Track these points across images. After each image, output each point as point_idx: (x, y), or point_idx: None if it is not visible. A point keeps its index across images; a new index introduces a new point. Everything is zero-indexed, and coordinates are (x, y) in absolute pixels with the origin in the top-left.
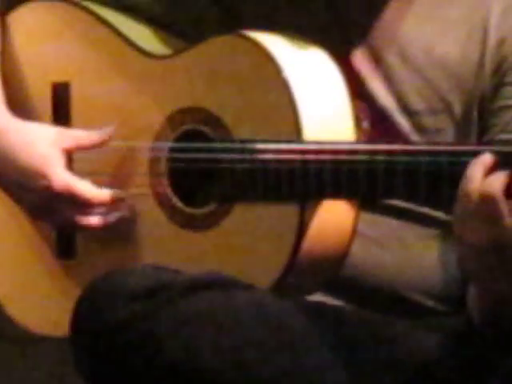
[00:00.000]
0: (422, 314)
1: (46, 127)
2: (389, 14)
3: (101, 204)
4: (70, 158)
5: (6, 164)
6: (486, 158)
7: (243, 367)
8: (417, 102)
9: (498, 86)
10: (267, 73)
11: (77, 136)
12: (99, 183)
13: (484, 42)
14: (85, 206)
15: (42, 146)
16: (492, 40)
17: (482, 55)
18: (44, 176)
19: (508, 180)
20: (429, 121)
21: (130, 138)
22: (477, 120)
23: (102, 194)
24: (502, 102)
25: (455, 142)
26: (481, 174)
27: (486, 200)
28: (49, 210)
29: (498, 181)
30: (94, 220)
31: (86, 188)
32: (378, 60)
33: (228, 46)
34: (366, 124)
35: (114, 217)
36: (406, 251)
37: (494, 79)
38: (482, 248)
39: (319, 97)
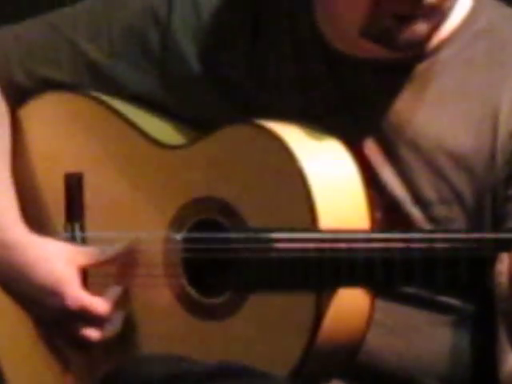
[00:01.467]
0: None
1: (61, 244)
2: (400, 105)
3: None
4: (86, 271)
5: (21, 279)
6: None
7: None
8: (428, 193)
9: (509, 175)
10: (282, 162)
11: (91, 253)
12: (113, 275)
13: (495, 133)
14: (97, 320)
15: (58, 263)
16: (503, 131)
17: (494, 146)
18: (59, 294)
19: None
20: (441, 211)
21: (143, 228)
22: (490, 209)
23: (111, 306)
24: (510, 193)
25: (471, 228)
26: None
27: None
28: (60, 325)
29: None
30: (107, 332)
31: (99, 305)
32: (389, 150)
33: (242, 136)
34: (378, 214)
35: (119, 322)
36: (420, 338)
37: (505, 169)
38: None
39: (334, 186)
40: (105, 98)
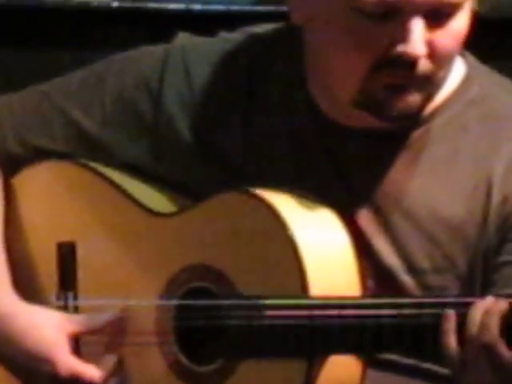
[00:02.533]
0: None
1: (51, 312)
2: (394, 174)
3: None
4: (77, 339)
5: (12, 347)
6: (487, 302)
7: None
8: (422, 261)
9: (501, 242)
10: (273, 230)
11: (82, 321)
12: (106, 344)
13: (488, 199)
14: None
15: (48, 331)
16: (496, 198)
17: (486, 213)
18: (50, 362)
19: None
20: (434, 279)
21: (136, 296)
22: (480, 276)
23: (106, 373)
24: (505, 257)
25: (460, 294)
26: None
27: (486, 347)
28: None
29: (494, 327)
30: None
31: (91, 372)
32: (383, 219)
33: (234, 203)
34: (371, 282)
35: None
36: None
37: (498, 235)
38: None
39: (325, 256)
40: (97, 166)
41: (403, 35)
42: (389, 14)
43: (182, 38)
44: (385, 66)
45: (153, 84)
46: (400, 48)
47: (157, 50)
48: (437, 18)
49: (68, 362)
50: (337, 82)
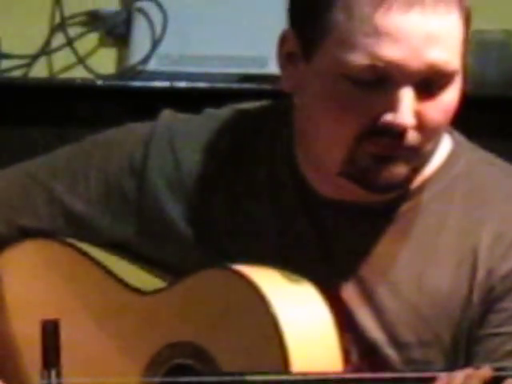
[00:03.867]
0: None
1: None
2: (381, 248)
3: None
4: None
5: None
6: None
7: None
8: (407, 335)
9: (484, 314)
10: (255, 308)
11: None
12: None
13: (473, 272)
14: None
15: None
16: (481, 271)
17: (471, 286)
18: None
19: None
20: (418, 353)
21: (119, 375)
22: (464, 349)
23: None
24: (487, 330)
25: (444, 367)
26: None
27: None
28: None
29: None
30: None
31: None
32: (368, 293)
33: (216, 281)
34: (354, 356)
35: None
36: None
37: (481, 308)
38: None
39: (307, 332)
40: (81, 245)
41: (392, 105)
42: (378, 82)
43: (167, 115)
44: (372, 134)
45: (136, 164)
46: (388, 117)
47: (141, 129)
48: (428, 90)
49: None
50: (323, 151)
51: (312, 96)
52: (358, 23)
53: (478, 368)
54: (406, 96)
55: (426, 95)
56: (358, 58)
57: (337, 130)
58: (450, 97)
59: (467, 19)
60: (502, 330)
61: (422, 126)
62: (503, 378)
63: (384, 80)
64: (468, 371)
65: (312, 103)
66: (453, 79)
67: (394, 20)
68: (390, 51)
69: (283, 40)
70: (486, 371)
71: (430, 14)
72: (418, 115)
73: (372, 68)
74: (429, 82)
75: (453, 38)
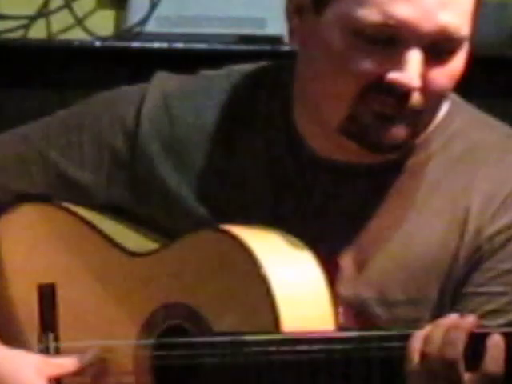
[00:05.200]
0: None
1: (31, 356)
2: (376, 210)
3: None
4: (59, 380)
5: None
6: (450, 319)
7: None
8: (395, 293)
9: (469, 272)
10: (247, 269)
11: (60, 364)
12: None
13: (463, 231)
14: None
15: (28, 375)
16: (470, 229)
17: (460, 244)
18: None
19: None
20: (406, 311)
21: (115, 336)
22: (449, 306)
23: None
24: (469, 289)
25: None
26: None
27: (448, 364)
28: None
29: (460, 344)
30: None
31: None
32: (362, 256)
33: (208, 242)
34: (342, 317)
35: None
36: None
37: (467, 266)
38: None
39: (298, 292)
40: (77, 208)
41: (400, 64)
42: (389, 41)
43: (160, 77)
44: (377, 92)
45: (129, 127)
46: (395, 75)
47: (134, 92)
48: (437, 55)
49: None
50: (326, 107)
51: (320, 49)
52: None
53: (463, 316)
54: (415, 57)
55: (433, 60)
56: (371, 15)
57: (342, 84)
58: (457, 64)
59: None
60: (484, 289)
61: (426, 89)
62: (486, 336)
63: (394, 39)
64: (451, 318)
65: (319, 56)
66: (461, 45)
67: None
68: (404, 10)
69: None
70: (470, 321)
71: None
72: (424, 79)
73: (383, 26)
74: (438, 47)
75: (466, 4)
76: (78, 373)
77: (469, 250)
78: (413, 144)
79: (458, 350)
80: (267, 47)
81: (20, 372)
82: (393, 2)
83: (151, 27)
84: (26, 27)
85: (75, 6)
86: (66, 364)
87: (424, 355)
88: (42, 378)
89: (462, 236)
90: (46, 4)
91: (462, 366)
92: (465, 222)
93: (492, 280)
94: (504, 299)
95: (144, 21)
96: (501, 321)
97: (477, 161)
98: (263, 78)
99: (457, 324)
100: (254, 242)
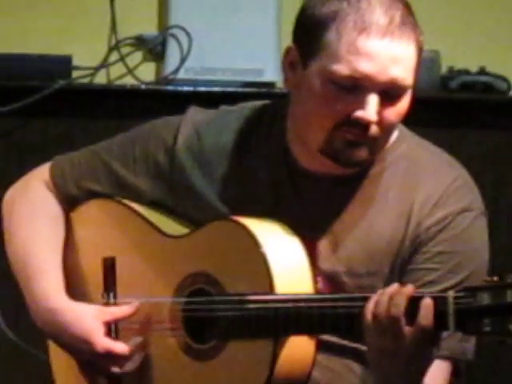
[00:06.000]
0: None
1: (90, 306)
2: (346, 208)
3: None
4: (115, 324)
5: (62, 334)
6: (393, 287)
7: None
8: (360, 268)
9: (412, 254)
10: (251, 249)
11: (113, 312)
12: (135, 329)
13: (407, 225)
14: (119, 359)
15: (87, 320)
16: (413, 222)
17: (405, 235)
18: (89, 343)
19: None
20: (366, 281)
21: (157, 293)
22: (397, 278)
23: (133, 349)
24: (413, 266)
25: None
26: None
27: (393, 320)
28: (93, 363)
29: (401, 305)
30: (128, 367)
31: (121, 348)
32: (335, 241)
33: (223, 229)
34: (320, 284)
35: (138, 360)
36: (349, 373)
37: (410, 249)
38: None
39: (288, 266)
40: (129, 203)
41: (362, 105)
42: (354, 88)
43: (192, 110)
44: (346, 125)
45: (168, 146)
46: (359, 113)
47: (172, 120)
48: (389, 99)
49: (102, 341)
50: (310, 135)
51: (306, 93)
52: (344, 44)
53: (403, 285)
54: (372, 100)
55: (386, 102)
56: (342, 69)
57: (322, 119)
58: (403, 105)
59: (420, 50)
60: (422, 266)
61: (381, 123)
62: (420, 298)
63: (358, 87)
64: (395, 287)
65: (306, 98)
66: (407, 92)
67: (371, 44)
68: (365, 66)
69: (288, 52)
70: (409, 288)
71: (396, 43)
72: (380, 115)
73: (351, 77)
74: (390, 93)
75: (410, 62)
76: (127, 318)
77: (412, 238)
78: (372, 160)
79: (400, 309)
80: (264, 90)
81: (81, 318)
82: (357, 60)
83: (181, 75)
84: (93, 75)
85: (127, 59)
86: (117, 312)
87: (375, 315)
88: (98, 323)
89: (407, 227)
90: (106, 58)
91: (403, 322)
92: (409, 217)
93: (428, 259)
94: (437, 273)
95: (176, 71)
96: (434, 289)
97: (417, 173)
98: (265, 112)
99: (399, 291)
100: (256, 228)
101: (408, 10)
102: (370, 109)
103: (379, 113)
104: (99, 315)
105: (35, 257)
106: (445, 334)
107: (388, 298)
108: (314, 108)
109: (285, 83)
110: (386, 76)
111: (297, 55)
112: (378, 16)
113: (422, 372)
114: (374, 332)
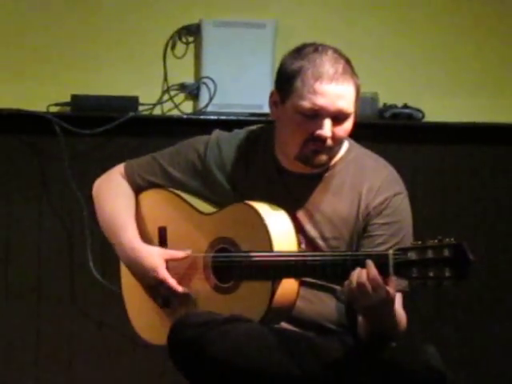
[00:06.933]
0: (330, 333)
1: (156, 248)
2: (317, 195)
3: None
4: (167, 265)
5: (136, 264)
6: (369, 264)
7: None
8: (328, 234)
9: (365, 226)
10: (257, 222)
11: (171, 253)
12: (180, 276)
13: (358, 207)
14: (170, 288)
15: (155, 257)
16: (362, 204)
17: (358, 213)
18: (155, 271)
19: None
20: (334, 243)
21: (195, 251)
22: (356, 242)
23: (179, 287)
24: (366, 234)
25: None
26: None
27: (375, 285)
28: (153, 287)
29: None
30: (175, 299)
31: (172, 282)
32: (310, 217)
33: (239, 209)
34: (303, 245)
35: (184, 291)
36: (323, 305)
37: (363, 223)
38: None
39: (282, 233)
40: (176, 191)
41: (321, 126)
42: (314, 116)
43: (216, 132)
44: (311, 140)
45: (201, 152)
46: (319, 132)
47: (203, 138)
48: (338, 121)
49: (163, 272)
50: (288, 147)
51: (284, 121)
52: (306, 88)
53: (369, 266)
54: (327, 123)
55: (336, 123)
56: (306, 104)
57: (295, 137)
58: (348, 125)
59: (358, 88)
60: (374, 233)
61: (334, 137)
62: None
63: (317, 115)
64: (361, 270)
65: (284, 124)
66: (350, 116)
67: (323, 87)
68: (321, 102)
69: (272, 94)
70: (370, 263)
71: (340, 85)
72: (332, 132)
73: (312, 109)
74: (338, 117)
75: (351, 97)
76: (180, 260)
77: (363, 216)
78: (330, 162)
79: (373, 272)
80: (263, 118)
81: (151, 254)
82: (315, 98)
83: (210, 109)
84: (152, 109)
85: (175, 99)
86: (175, 254)
87: (359, 282)
88: (161, 259)
89: (358, 208)
90: (160, 98)
91: (381, 281)
92: (359, 201)
93: (376, 228)
94: (383, 237)
95: (206, 106)
96: (382, 248)
97: (363, 172)
98: (262, 133)
99: (369, 267)
100: (260, 208)
101: (348, 62)
102: (326, 128)
103: (332, 131)
104: (163, 254)
105: (119, 219)
106: (394, 278)
107: (366, 274)
108: (290, 131)
109: (271, 115)
110: (334, 107)
111: (277, 97)
112: (328, 68)
113: (392, 303)
114: (359, 294)
